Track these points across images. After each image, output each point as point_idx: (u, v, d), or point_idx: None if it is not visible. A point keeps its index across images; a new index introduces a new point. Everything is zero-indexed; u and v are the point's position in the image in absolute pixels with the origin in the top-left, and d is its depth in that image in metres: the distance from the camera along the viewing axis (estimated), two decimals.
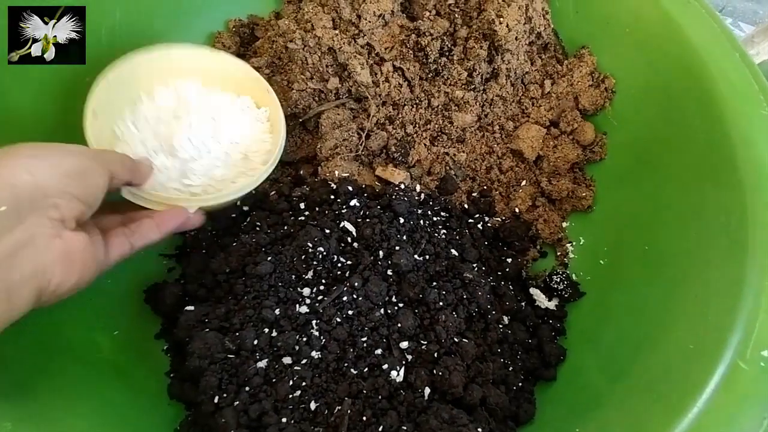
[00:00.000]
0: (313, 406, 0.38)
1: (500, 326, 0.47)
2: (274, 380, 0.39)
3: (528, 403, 0.44)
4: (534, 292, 0.52)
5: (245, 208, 0.54)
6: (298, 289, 0.44)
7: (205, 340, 0.40)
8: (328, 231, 0.46)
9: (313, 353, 0.41)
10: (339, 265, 0.46)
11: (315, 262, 0.45)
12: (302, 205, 0.51)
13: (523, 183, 0.57)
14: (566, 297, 0.51)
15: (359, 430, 0.38)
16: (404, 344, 0.42)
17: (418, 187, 0.54)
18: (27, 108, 0.44)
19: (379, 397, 0.39)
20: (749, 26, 0.98)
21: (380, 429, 0.38)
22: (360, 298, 0.43)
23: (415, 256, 0.46)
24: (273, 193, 0.55)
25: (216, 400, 0.38)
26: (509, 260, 0.52)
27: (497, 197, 0.57)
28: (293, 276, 0.45)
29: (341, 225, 0.47)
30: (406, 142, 0.55)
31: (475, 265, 0.49)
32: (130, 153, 0.44)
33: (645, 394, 0.39)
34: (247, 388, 0.39)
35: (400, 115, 0.55)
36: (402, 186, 0.51)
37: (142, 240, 0.40)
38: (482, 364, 0.42)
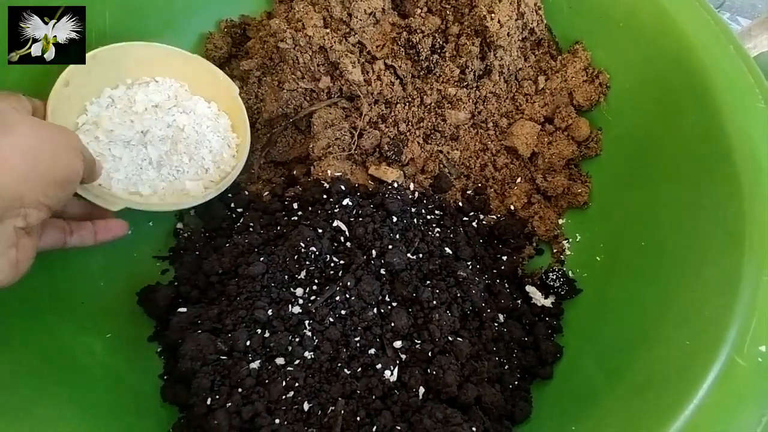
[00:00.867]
0: (306, 406, 0.38)
1: (495, 324, 0.46)
2: (266, 381, 0.39)
3: (524, 401, 0.43)
4: (530, 289, 0.51)
5: (239, 210, 0.54)
6: (291, 289, 0.44)
7: (197, 342, 0.40)
8: (320, 231, 0.46)
9: (306, 353, 0.40)
10: (332, 264, 0.45)
11: (308, 262, 0.45)
12: (295, 205, 0.51)
13: (518, 180, 0.57)
14: (563, 294, 0.51)
15: (353, 431, 0.37)
16: (398, 343, 0.41)
17: (411, 186, 0.54)
18: None
19: (373, 397, 0.39)
20: (747, 21, 0.97)
21: (374, 429, 0.37)
22: (353, 298, 0.43)
23: (409, 254, 0.46)
24: (266, 193, 0.55)
25: (208, 401, 0.38)
26: (504, 258, 0.52)
27: (492, 195, 0.57)
28: (286, 276, 0.44)
29: (334, 224, 0.47)
30: (399, 140, 0.54)
31: (469, 263, 0.48)
32: (92, 133, 0.45)
33: (642, 391, 0.39)
34: (239, 390, 0.38)
35: (392, 114, 0.55)
36: (395, 184, 0.51)
37: (77, 242, 0.40)
38: (477, 363, 0.41)
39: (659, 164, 0.49)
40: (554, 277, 0.51)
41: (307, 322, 0.41)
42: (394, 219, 0.48)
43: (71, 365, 0.40)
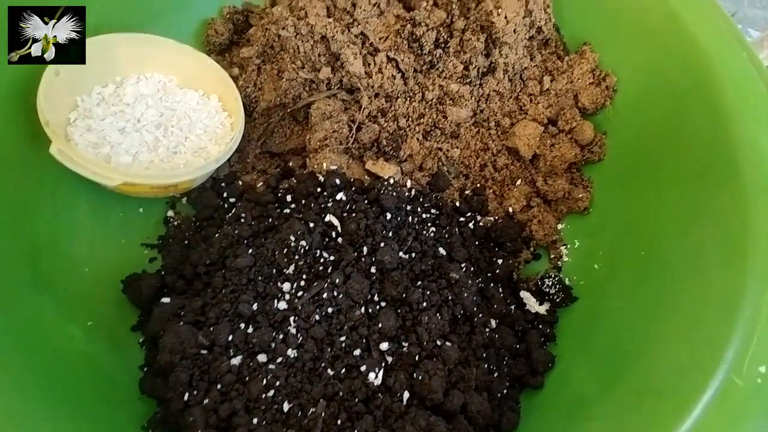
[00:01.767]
0: (286, 407, 0.37)
1: (486, 330, 0.45)
2: (247, 378, 0.38)
3: (511, 411, 0.42)
4: (525, 295, 0.50)
5: (232, 200, 0.52)
6: (278, 284, 0.42)
7: (178, 334, 0.39)
8: (312, 225, 0.45)
9: (289, 351, 0.39)
10: (321, 260, 0.44)
11: (297, 257, 0.43)
12: (289, 198, 0.50)
13: (518, 182, 0.56)
14: (558, 302, 0.49)
15: None
16: (384, 345, 0.40)
17: (408, 183, 0.52)
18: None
19: (356, 400, 0.38)
20: (758, 33, 0.95)
21: None
22: (341, 296, 0.41)
23: (401, 253, 0.45)
24: (260, 184, 0.54)
25: (185, 397, 0.37)
26: (500, 261, 0.51)
27: (491, 196, 0.55)
28: (274, 270, 0.43)
29: (326, 219, 0.45)
30: (398, 135, 0.53)
31: (463, 265, 0.47)
32: (85, 126, 0.45)
33: (634, 407, 0.37)
34: (218, 386, 0.37)
35: (392, 108, 0.53)
36: (391, 180, 0.50)
37: None
38: (465, 369, 0.40)
39: (663, 171, 0.48)
40: (550, 283, 0.50)
41: (292, 318, 0.40)
42: (388, 216, 0.47)
43: (47, 351, 0.39)
